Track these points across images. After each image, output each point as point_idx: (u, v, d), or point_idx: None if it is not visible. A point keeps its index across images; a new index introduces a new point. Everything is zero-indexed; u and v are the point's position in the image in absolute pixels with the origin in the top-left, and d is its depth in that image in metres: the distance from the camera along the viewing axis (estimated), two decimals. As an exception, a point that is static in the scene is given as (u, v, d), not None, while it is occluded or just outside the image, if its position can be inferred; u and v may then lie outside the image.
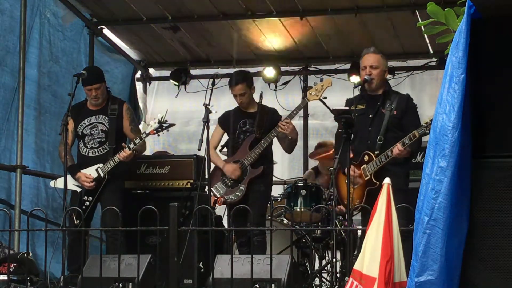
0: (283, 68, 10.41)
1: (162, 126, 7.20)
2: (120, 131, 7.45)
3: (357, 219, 7.08)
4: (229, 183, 7.39)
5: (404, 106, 6.63)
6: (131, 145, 7.22)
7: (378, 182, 6.31)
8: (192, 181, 7.92)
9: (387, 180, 4.26)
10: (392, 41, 9.53)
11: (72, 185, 7.21)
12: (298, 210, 7.90)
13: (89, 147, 7.42)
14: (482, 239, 3.48)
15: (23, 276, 6.60)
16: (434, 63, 10.00)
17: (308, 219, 7.73)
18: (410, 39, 9.53)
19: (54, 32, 8.94)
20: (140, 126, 9.63)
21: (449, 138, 3.40)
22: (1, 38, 8.16)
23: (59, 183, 7.37)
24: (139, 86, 10.79)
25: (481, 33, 3.51)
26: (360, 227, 6.27)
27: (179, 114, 10.50)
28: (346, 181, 5.84)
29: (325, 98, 7.15)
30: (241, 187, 7.33)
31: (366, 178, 6.52)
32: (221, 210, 7.72)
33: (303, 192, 7.91)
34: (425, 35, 9.28)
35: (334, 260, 6.41)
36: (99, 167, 7.28)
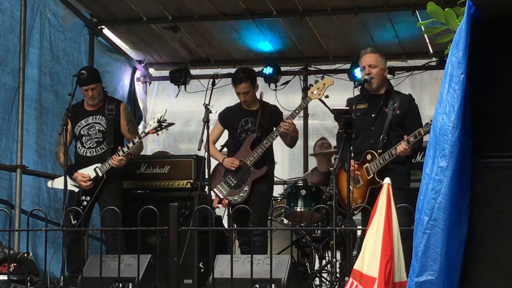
0: (283, 68, 10.41)
1: (162, 125, 7.20)
2: (117, 131, 7.45)
3: (357, 219, 7.08)
4: (232, 184, 7.37)
5: (407, 106, 6.64)
6: (125, 149, 7.22)
7: (381, 181, 6.30)
8: (192, 181, 7.92)
9: (387, 180, 4.26)
10: (392, 41, 9.53)
11: (69, 185, 7.21)
12: (298, 210, 7.90)
13: (86, 147, 7.42)
14: (482, 239, 3.48)
15: (23, 276, 6.60)
16: (434, 63, 9.99)
17: (308, 219, 7.73)
18: (410, 39, 9.53)
19: (54, 32, 8.94)
20: (140, 126, 9.67)
21: (449, 138, 3.40)
22: (1, 38, 8.16)
23: (56, 183, 7.39)
24: (139, 86, 10.79)
25: (481, 33, 3.51)
26: (360, 227, 6.28)
27: (179, 114, 10.50)
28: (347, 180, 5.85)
29: (327, 97, 7.14)
30: (245, 188, 7.32)
31: (369, 177, 6.52)
32: (221, 210, 7.72)
33: (303, 192, 7.92)
34: (425, 35, 9.28)
35: (334, 260, 6.41)
36: (97, 166, 7.28)
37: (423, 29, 8.25)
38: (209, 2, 9.02)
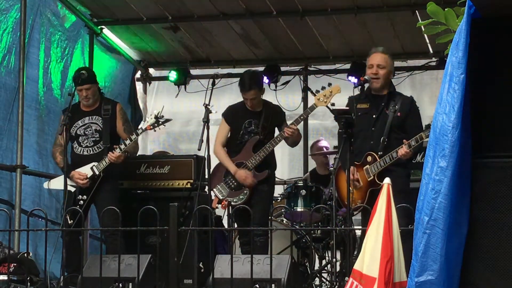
0: (283, 68, 10.41)
1: (159, 121, 7.20)
2: (113, 132, 7.46)
3: (357, 219, 7.08)
4: (233, 185, 7.35)
5: (408, 108, 6.61)
6: (122, 146, 7.23)
7: (381, 183, 6.29)
8: (192, 181, 7.92)
9: (387, 180, 4.26)
10: (392, 41, 9.52)
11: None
12: (298, 210, 7.90)
13: (83, 146, 7.43)
14: (482, 239, 3.48)
15: (23, 276, 6.60)
16: (434, 63, 9.99)
17: (308, 219, 7.73)
18: (410, 39, 9.53)
19: (54, 32, 8.94)
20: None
21: (449, 138, 3.40)
22: (1, 38, 8.15)
23: (52, 184, 7.40)
24: (139, 86, 10.79)
25: (481, 33, 3.51)
26: (360, 227, 6.27)
27: (179, 114, 10.50)
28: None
29: (333, 104, 7.10)
30: (245, 191, 7.31)
31: (369, 179, 6.51)
32: (221, 210, 7.72)
33: (303, 192, 7.92)
34: (425, 35, 9.28)
35: (334, 260, 6.41)
36: (94, 165, 7.29)
37: (423, 29, 8.25)
38: (209, 2, 9.02)
